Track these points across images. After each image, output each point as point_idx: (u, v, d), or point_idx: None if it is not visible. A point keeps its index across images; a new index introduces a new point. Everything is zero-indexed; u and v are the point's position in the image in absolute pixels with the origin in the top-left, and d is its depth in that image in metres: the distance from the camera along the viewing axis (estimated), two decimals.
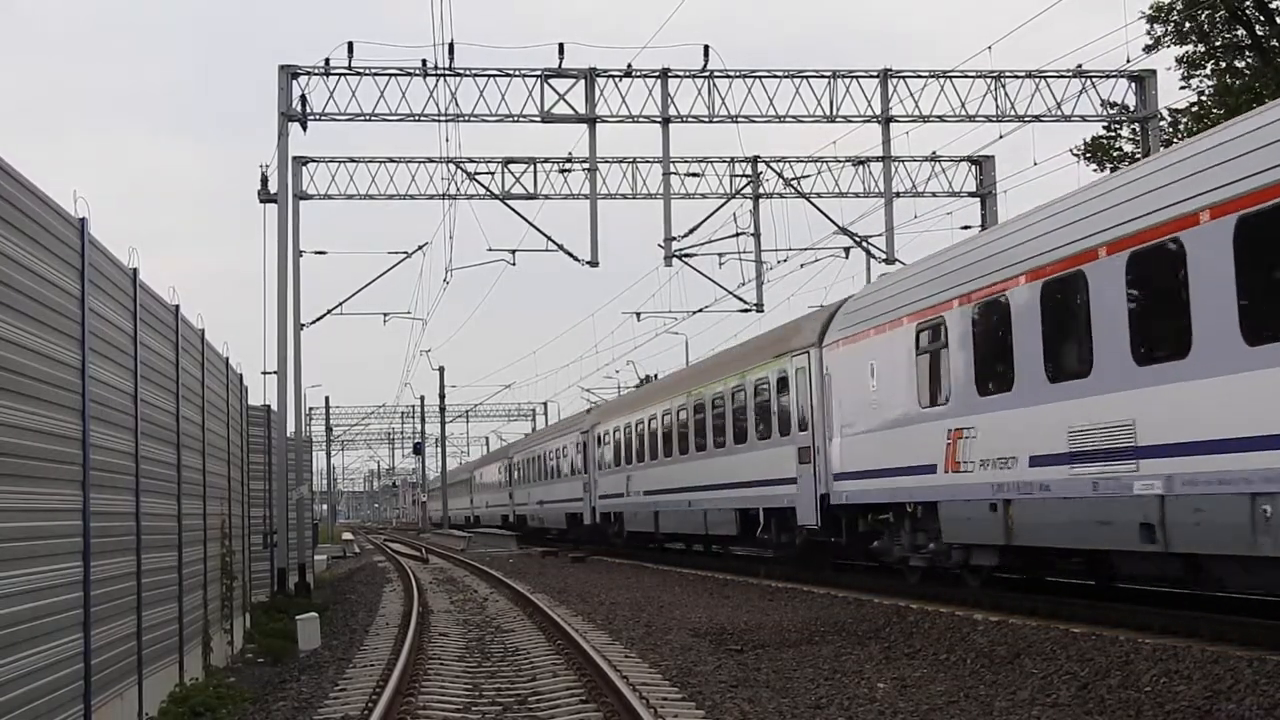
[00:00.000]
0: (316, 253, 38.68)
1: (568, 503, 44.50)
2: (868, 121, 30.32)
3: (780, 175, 32.68)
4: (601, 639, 16.11)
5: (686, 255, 32.23)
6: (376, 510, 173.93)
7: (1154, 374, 12.34)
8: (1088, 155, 37.44)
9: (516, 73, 28.99)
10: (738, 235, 32.93)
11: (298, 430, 30.86)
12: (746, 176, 32.87)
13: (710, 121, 29.52)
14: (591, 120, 29.14)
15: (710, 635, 16.15)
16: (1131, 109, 30.96)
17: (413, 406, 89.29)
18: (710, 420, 27.36)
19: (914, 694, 11.42)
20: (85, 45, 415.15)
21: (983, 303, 15.81)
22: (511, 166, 31.92)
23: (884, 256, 30.81)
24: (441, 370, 73.68)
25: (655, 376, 47.21)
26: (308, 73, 28.71)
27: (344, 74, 28.59)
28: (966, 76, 29.97)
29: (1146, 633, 12.70)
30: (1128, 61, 29.40)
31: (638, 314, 46.12)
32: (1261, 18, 35.25)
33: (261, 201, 30.49)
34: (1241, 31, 35.94)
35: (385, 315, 43.12)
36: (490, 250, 34.09)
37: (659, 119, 29.38)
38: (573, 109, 29.11)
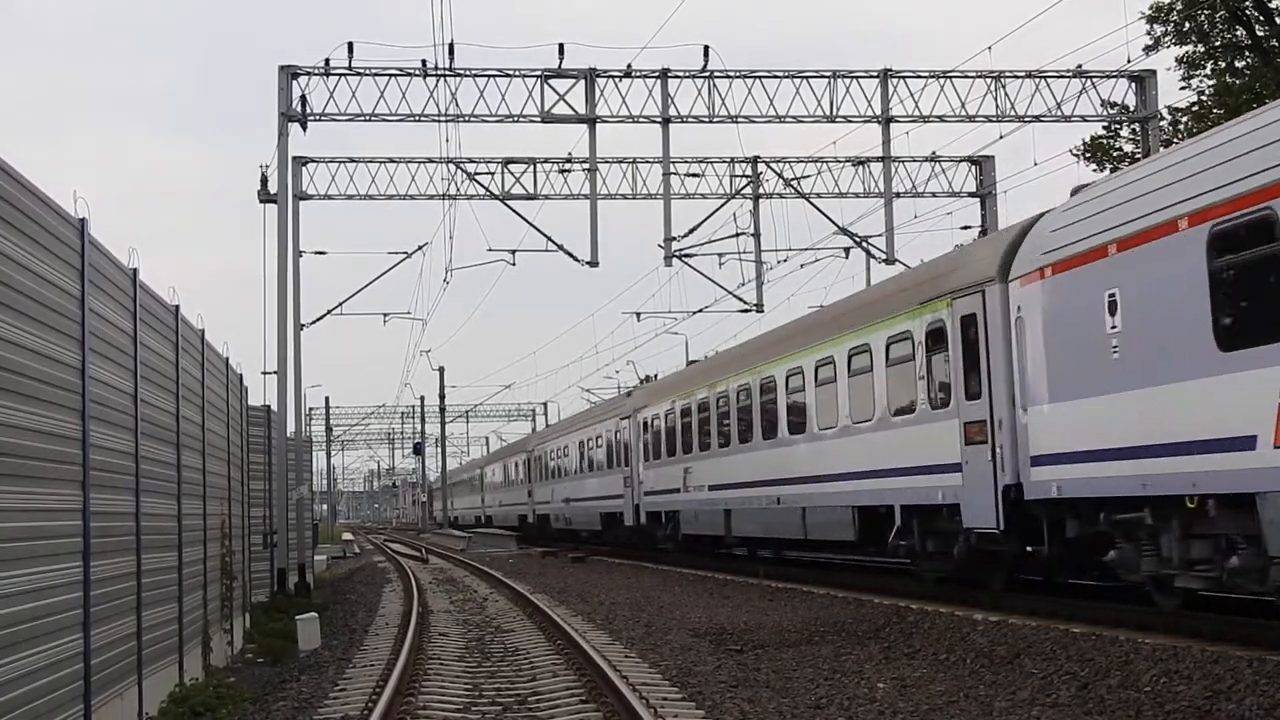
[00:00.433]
0: (316, 253, 38.71)
1: (603, 501, 38.53)
2: (868, 121, 30.32)
3: (780, 175, 32.69)
4: (601, 639, 16.11)
5: (686, 255, 32.27)
6: (376, 510, 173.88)
7: None
8: (1088, 155, 37.45)
9: (516, 73, 28.99)
10: (738, 235, 32.97)
11: (298, 430, 30.86)
12: (746, 176, 32.88)
13: (710, 121, 29.53)
14: (591, 120, 29.14)
15: (710, 635, 16.15)
16: (1131, 109, 30.96)
17: (413, 406, 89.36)
18: (813, 394, 21.60)
19: (914, 694, 11.42)
20: (85, 45, 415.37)
21: None
22: (511, 166, 31.93)
23: (884, 256, 30.83)
24: (441, 370, 73.73)
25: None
26: (308, 73, 28.72)
27: (344, 74, 28.59)
28: (966, 76, 29.98)
29: (1146, 633, 12.70)
30: (1128, 61, 29.42)
31: (638, 314, 46.15)
32: (1261, 18, 35.25)
33: (261, 202, 30.48)
34: (1241, 31, 35.95)
35: (385, 315, 43.15)
36: (490, 250, 34.15)
37: (659, 119, 29.39)
38: (573, 109, 29.12)
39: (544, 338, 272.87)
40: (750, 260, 32.99)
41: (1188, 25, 35.96)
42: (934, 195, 33.29)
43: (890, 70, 30.05)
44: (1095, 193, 14.25)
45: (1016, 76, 30.07)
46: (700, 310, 37.48)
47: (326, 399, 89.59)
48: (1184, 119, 36.45)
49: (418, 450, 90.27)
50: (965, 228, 33.59)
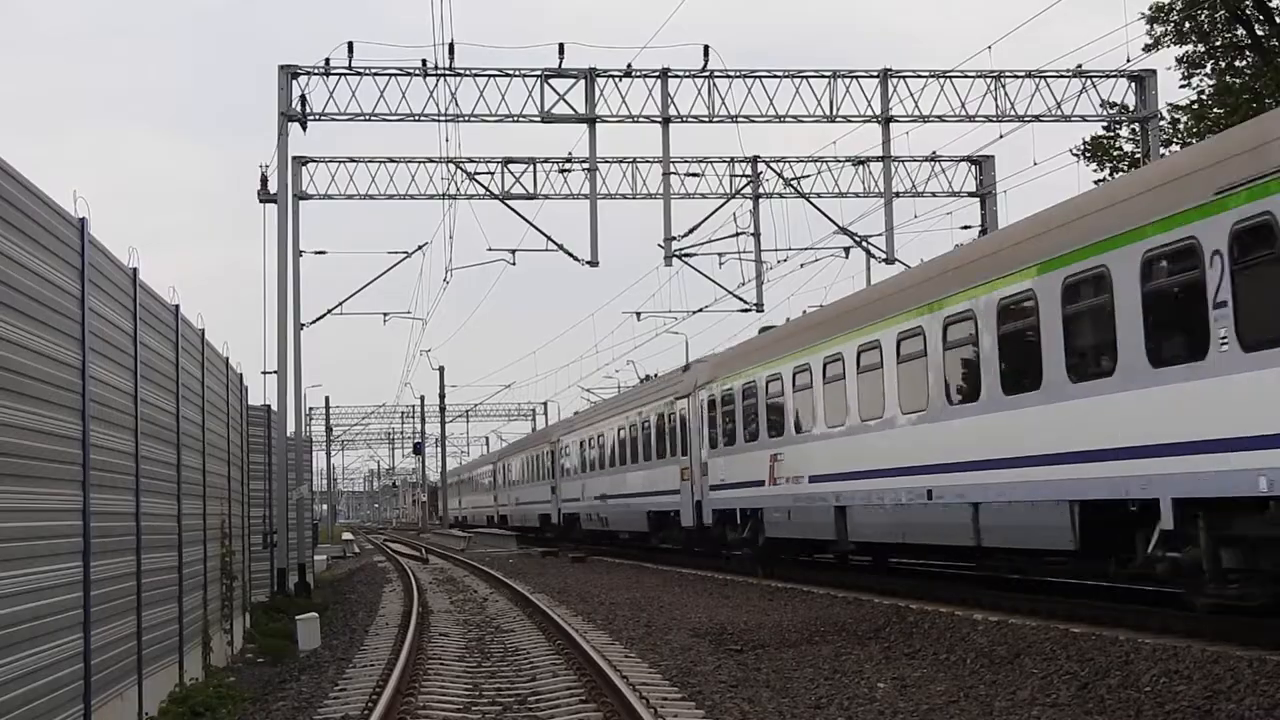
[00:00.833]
0: (316, 253, 38.84)
1: (650, 497, 32.64)
2: (868, 121, 30.32)
3: (780, 175, 32.69)
4: (601, 639, 16.11)
5: (686, 255, 32.27)
6: (376, 510, 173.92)
7: None
8: (1088, 155, 37.45)
9: (516, 73, 29.00)
10: (738, 235, 32.97)
11: (298, 430, 30.87)
12: (746, 176, 32.88)
13: (710, 121, 29.53)
14: (591, 120, 29.15)
15: (710, 635, 16.15)
16: (1131, 109, 30.96)
17: (413, 406, 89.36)
18: (994, 346, 15.77)
19: (914, 694, 11.42)
20: (85, 45, 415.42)
21: None
22: (511, 166, 31.93)
23: (884, 256, 30.83)
24: (441, 370, 73.76)
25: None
26: (308, 73, 28.72)
27: (344, 74, 28.60)
28: (966, 76, 29.98)
29: (1146, 633, 12.70)
30: (1128, 61, 29.41)
31: (638, 314, 46.07)
32: (1261, 18, 35.25)
33: (261, 201, 30.48)
34: (1241, 31, 35.95)
35: (385, 315, 43.18)
36: (490, 250, 34.15)
37: (659, 119, 29.39)
38: (573, 109, 29.12)
39: (544, 338, 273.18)
40: (750, 260, 33.02)
41: (1188, 25, 35.97)
42: (934, 195, 33.30)
43: (890, 70, 30.05)
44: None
45: (1016, 76, 30.07)
46: (700, 310, 37.48)
47: (326, 399, 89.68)
48: (1184, 119, 36.47)
49: (418, 450, 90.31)
50: (965, 227, 33.60)
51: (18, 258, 8.09)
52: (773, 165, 32.72)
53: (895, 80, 30.01)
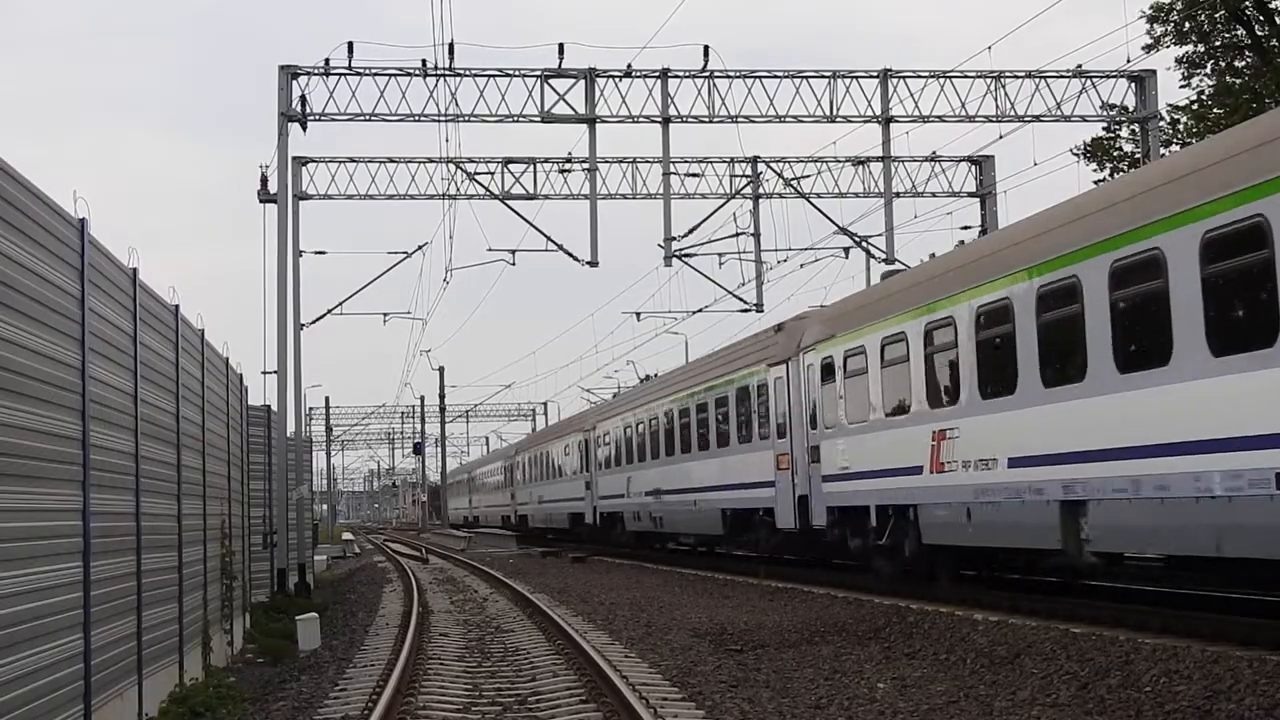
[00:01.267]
0: (316, 253, 38.77)
1: (729, 491, 26.62)
2: (868, 121, 30.33)
3: (780, 175, 32.69)
4: (601, 639, 16.12)
5: (686, 255, 32.26)
6: (376, 510, 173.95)
7: None
8: (1088, 155, 37.47)
9: (516, 73, 29.00)
10: (738, 235, 32.97)
11: (298, 430, 30.86)
12: (746, 176, 32.88)
13: (710, 121, 29.53)
14: (591, 120, 29.15)
15: (710, 635, 16.15)
16: (1131, 109, 30.97)
17: (413, 406, 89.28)
18: None
19: (914, 694, 11.42)
20: (85, 44, 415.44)
21: None
22: (511, 166, 31.93)
23: (884, 256, 30.83)
24: (441, 370, 73.69)
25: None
26: (308, 73, 28.72)
27: (344, 74, 28.60)
28: (966, 76, 29.98)
29: (1146, 633, 12.70)
30: (1128, 61, 29.41)
31: (638, 314, 46.11)
32: (1261, 18, 35.26)
33: (261, 201, 30.49)
34: (1241, 31, 35.96)
35: (385, 315, 43.16)
36: (490, 250, 34.16)
37: (659, 119, 29.39)
38: (573, 109, 29.12)
39: (544, 338, 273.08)
40: (750, 260, 33.02)
41: (1188, 25, 36.00)
42: (934, 195, 33.30)
43: (890, 70, 30.05)
44: None
45: (1016, 76, 30.07)
46: (700, 310, 37.43)
47: (326, 399, 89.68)
48: (1184, 119, 36.48)
49: (418, 450, 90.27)
50: (965, 228, 33.61)
51: (18, 258, 8.09)
52: (773, 165, 32.73)
53: (895, 80, 30.01)
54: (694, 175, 32.73)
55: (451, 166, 31.62)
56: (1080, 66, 29.84)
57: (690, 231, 31.71)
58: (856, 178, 32.96)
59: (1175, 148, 33.61)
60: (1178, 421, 12.23)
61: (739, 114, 29.54)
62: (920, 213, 45.62)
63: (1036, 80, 30.06)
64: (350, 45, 28.34)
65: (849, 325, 20.33)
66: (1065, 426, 14.24)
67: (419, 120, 29.09)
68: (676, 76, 29.42)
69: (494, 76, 28.94)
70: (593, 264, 30.06)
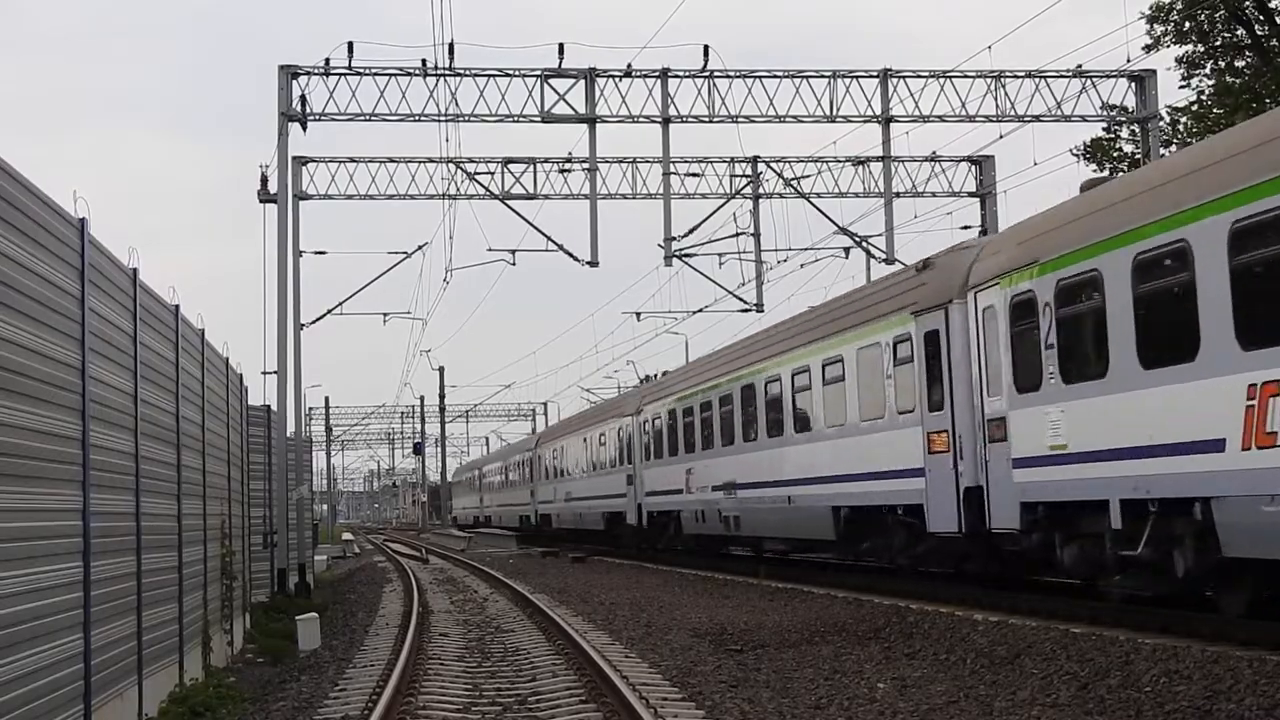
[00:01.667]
0: (316, 253, 38.72)
1: (840, 484, 20.77)
2: (868, 121, 30.32)
3: (780, 175, 32.69)
4: (601, 639, 16.12)
5: (686, 255, 32.26)
6: (376, 510, 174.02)
7: None
8: (1088, 155, 37.46)
9: (516, 73, 29.00)
10: (738, 235, 32.97)
11: (298, 430, 30.86)
12: (746, 176, 32.88)
13: (710, 121, 29.53)
14: (591, 120, 29.15)
15: (710, 635, 16.15)
16: (1131, 109, 30.97)
17: (413, 406, 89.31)
18: None
19: (914, 694, 11.42)
20: (85, 44, 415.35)
21: None
22: (511, 166, 31.92)
23: (884, 256, 30.83)
24: (441, 370, 73.77)
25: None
26: (308, 73, 28.72)
27: (344, 74, 28.60)
28: (966, 76, 29.98)
29: (1146, 633, 12.70)
30: (1128, 61, 29.42)
31: (638, 314, 46.07)
32: (1261, 18, 35.27)
33: (261, 201, 30.48)
34: (1241, 31, 35.97)
35: (385, 315, 43.17)
36: (490, 250, 34.15)
37: (659, 119, 29.39)
38: (573, 109, 29.12)
39: (544, 338, 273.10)
40: (750, 260, 33.02)
41: (1188, 25, 35.99)
42: (934, 195, 33.29)
43: (890, 70, 30.05)
44: None
45: (1016, 76, 30.07)
46: (700, 310, 37.38)
47: (326, 399, 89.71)
48: (1184, 119, 36.48)
49: (418, 450, 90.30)
50: (965, 228, 33.60)
51: (18, 258, 8.09)
52: (773, 165, 32.72)
53: (895, 80, 30.01)
54: (694, 175, 32.74)
55: (451, 166, 31.63)
56: (1080, 66, 29.85)
57: (690, 231, 31.74)
58: (856, 178, 32.98)
59: (1175, 149, 33.61)
60: None
61: (739, 114, 29.54)
62: (920, 213, 45.62)
63: (1036, 80, 30.06)
64: (350, 45, 28.36)
65: (1066, 244, 14.41)
66: None
67: (419, 120, 29.11)
68: (676, 76, 29.42)
69: (494, 76, 28.94)
70: (593, 264, 30.06)
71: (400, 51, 41.11)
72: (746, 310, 33.50)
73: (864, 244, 32.02)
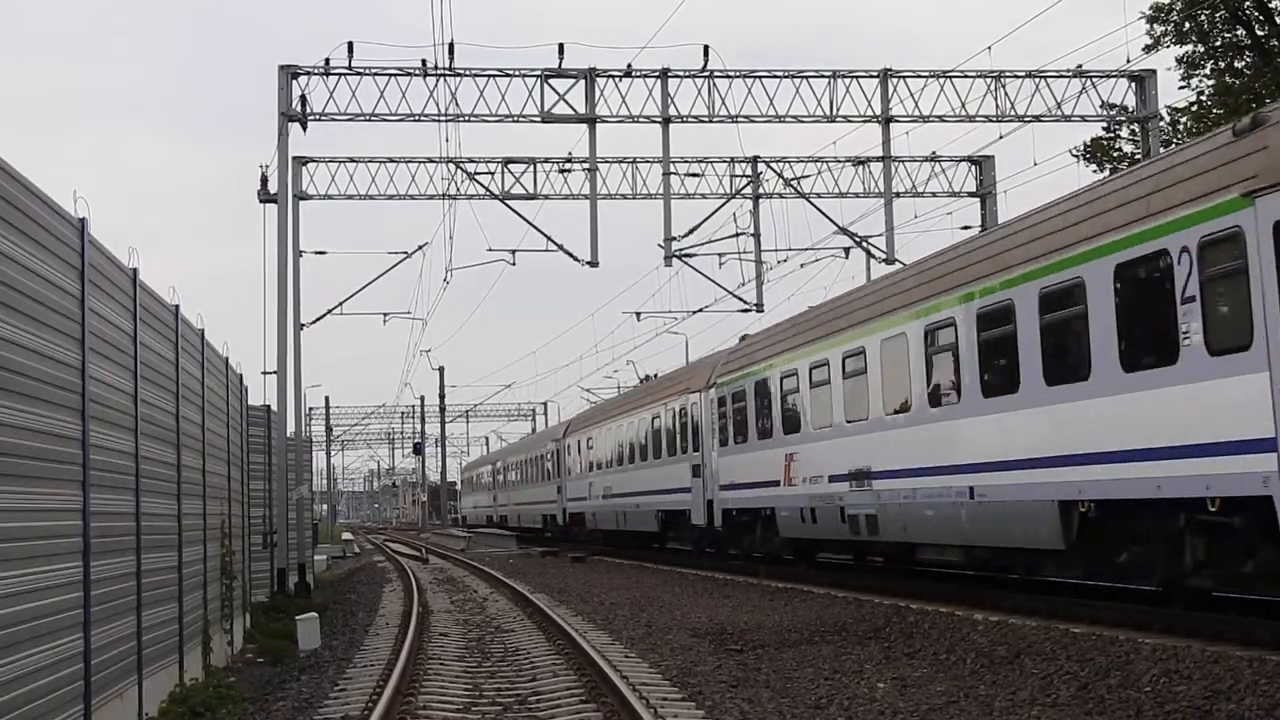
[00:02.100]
0: (316, 253, 38.78)
1: (1089, 467, 13.91)
2: (868, 121, 30.32)
3: (780, 175, 32.68)
4: (601, 639, 16.11)
5: (686, 255, 32.26)
6: (376, 510, 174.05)
7: None
8: (1088, 156, 37.47)
9: (516, 73, 29.00)
10: (738, 235, 32.97)
11: (298, 430, 30.85)
12: (746, 176, 32.88)
13: (710, 121, 29.52)
14: (591, 120, 29.14)
15: (710, 635, 16.15)
16: (1131, 109, 30.97)
17: (413, 406, 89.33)
18: None
19: (914, 694, 11.42)
20: (85, 44, 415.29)
21: None
22: (511, 166, 31.92)
23: (884, 256, 30.83)
24: (441, 370, 73.82)
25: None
26: (308, 73, 28.72)
27: (344, 74, 28.60)
28: (966, 76, 29.98)
29: (1146, 633, 12.70)
30: (1128, 61, 29.43)
31: (638, 314, 46.04)
32: (1261, 18, 35.27)
33: (261, 201, 30.48)
34: (1241, 31, 35.97)
35: (385, 315, 43.15)
36: (490, 250, 34.22)
37: (659, 119, 29.38)
38: (573, 109, 29.12)
39: (544, 338, 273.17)
40: (750, 260, 33.01)
41: (1188, 25, 35.99)
42: (934, 195, 33.30)
43: (890, 70, 30.05)
44: None
45: (1016, 76, 30.07)
46: (700, 310, 37.34)
47: (326, 399, 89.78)
48: (1184, 119, 36.47)
49: (418, 450, 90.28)
50: (965, 228, 33.59)
51: (18, 258, 8.09)
52: (773, 165, 32.72)
53: (895, 80, 30.01)
54: (694, 175, 32.74)
55: (451, 166, 31.63)
56: (1080, 66, 29.84)
57: (690, 231, 31.74)
58: (856, 178, 32.97)
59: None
60: None
61: (739, 114, 29.54)
62: (920, 213, 45.67)
63: (1036, 80, 30.06)
64: (350, 45, 28.36)
65: None
66: None
67: (419, 120, 29.11)
68: (676, 76, 29.41)
69: (494, 76, 28.94)
70: (593, 264, 30.05)
71: (400, 51, 41.21)
72: (746, 310, 33.53)
73: (864, 244, 32.03)
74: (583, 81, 29.00)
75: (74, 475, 9.25)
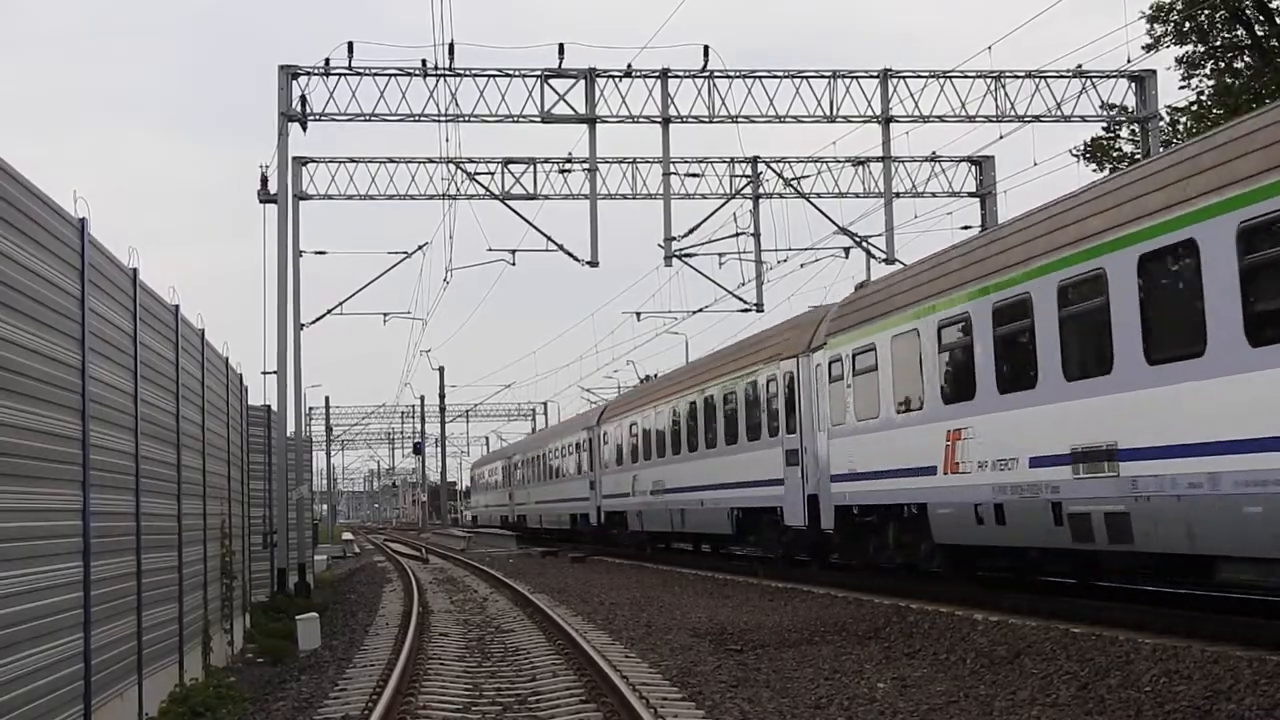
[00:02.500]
0: (316, 253, 38.78)
1: None
2: (868, 121, 30.31)
3: (780, 175, 32.68)
4: (601, 639, 16.12)
5: (686, 255, 32.25)
6: (376, 510, 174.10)
7: None
8: (1088, 156, 37.47)
9: (516, 73, 29.00)
10: (738, 235, 32.96)
11: (298, 430, 30.86)
12: (746, 176, 32.87)
13: (710, 121, 29.52)
14: (591, 120, 29.15)
15: (710, 635, 16.15)
16: (1131, 109, 30.97)
17: (413, 406, 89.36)
18: None
19: (914, 694, 11.43)
20: (84, 44, 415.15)
21: None
22: (511, 166, 31.91)
23: (884, 256, 30.82)
24: (441, 370, 73.91)
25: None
26: (308, 73, 28.73)
27: (344, 74, 28.60)
28: (966, 76, 29.97)
29: (1146, 633, 12.70)
30: (1128, 61, 29.42)
31: (638, 314, 46.05)
32: (1261, 18, 35.28)
33: (261, 201, 30.49)
34: (1241, 31, 35.98)
35: (385, 315, 43.12)
36: (490, 250, 34.19)
37: (659, 119, 29.38)
38: (573, 109, 29.12)
39: (544, 338, 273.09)
40: (750, 260, 33.01)
41: (1188, 25, 36.00)
42: (934, 195, 33.28)
43: (890, 70, 30.05)
44: None
45: (1016, 76, 30.07)
46: (700, 310, 37.33)
47: (326, 399, 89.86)
48: (1184, 119, 36.48)
49: (417, 450, 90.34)
50: (965, 227, 33.60)
51: (18, 258, 8.09)
52: (773, 165, 32.72)
53: (895, 80, 30.00)
54: (694, 175, 32.72)
55: (451, 166, 31.63)
56: (1080, 66, 29.84)
57: (690, 231, 31.73)
58: (856, 178, 32.96)
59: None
60: None
61: (739, 114, 29.53)
62: (920, 213, 45.69)
63: (1036, 80, 30.05)
64: (350, 45, 28.35)
65: None
66: None
67: (419, 120, 29.10)
68: (676, 76, 29.41)
69: (494, 76, 28.94)
70: (593, 264, 30.05)
71: (400, 51, 41.21)
72: (746, 310, 33.53)
73: (864, 244, 32.02)
74: (583, 81, 29.00)
75: (74, 475, 9.26)
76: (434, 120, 29.23)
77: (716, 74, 29.40)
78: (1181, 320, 12.47)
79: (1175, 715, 9.86)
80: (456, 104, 28.96)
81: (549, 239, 30.80)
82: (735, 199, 32.71)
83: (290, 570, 27.86)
